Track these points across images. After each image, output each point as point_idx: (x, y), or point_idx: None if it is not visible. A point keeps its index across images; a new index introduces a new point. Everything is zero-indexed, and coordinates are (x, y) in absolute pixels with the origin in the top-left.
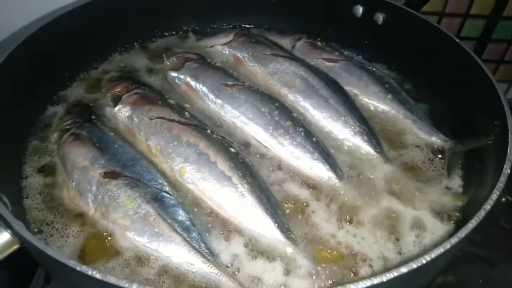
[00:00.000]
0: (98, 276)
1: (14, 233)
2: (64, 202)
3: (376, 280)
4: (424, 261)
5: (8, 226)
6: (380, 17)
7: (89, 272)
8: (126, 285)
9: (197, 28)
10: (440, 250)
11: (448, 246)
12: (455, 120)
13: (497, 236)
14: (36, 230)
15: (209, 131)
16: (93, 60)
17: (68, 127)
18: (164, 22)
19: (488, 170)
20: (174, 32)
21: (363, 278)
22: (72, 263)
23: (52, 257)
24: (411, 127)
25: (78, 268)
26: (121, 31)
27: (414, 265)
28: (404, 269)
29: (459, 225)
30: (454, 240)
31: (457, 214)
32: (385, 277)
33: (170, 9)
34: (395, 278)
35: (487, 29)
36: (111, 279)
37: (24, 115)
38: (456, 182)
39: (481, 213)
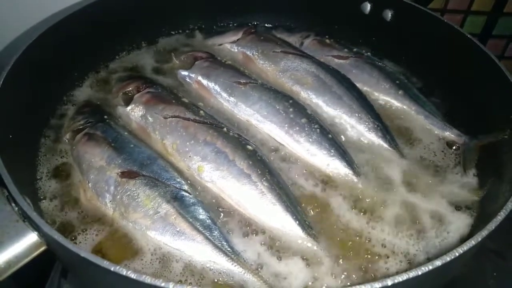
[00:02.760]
0: (133, 276)
1: (42, 234)
2: (81, 202)
3: (412, 274)
4: (457, 253)
5: (35, 227)
6: (388, 14)
7: (124, 273)
8: (162, 284)
9: (203, 26)
10: (472, 242)
11: (480, 239)
12: (467, 115)
13: (508, 228)
14: None
15: (225, 129)
16: (101, 60)
17: (80, 127)
18: (171, 21)
19: (505, 164)
20: (180, 31)
21: (388, 273)
22: (105, 263)
23: (85, 258)
24: (424, 123)
25: (112, 269)
26: (128, 30)
27: (447, 258)
28: (438, 262)
29: (478, 218)
30: (484, 232)
31: (474, 207)
32: (420, 271)
33: (177, 7)
34: (430, 272)
35: (488, 25)
36: (146, 279)
37: (35, 116)
38: (471, 176)
39: (509, 206)
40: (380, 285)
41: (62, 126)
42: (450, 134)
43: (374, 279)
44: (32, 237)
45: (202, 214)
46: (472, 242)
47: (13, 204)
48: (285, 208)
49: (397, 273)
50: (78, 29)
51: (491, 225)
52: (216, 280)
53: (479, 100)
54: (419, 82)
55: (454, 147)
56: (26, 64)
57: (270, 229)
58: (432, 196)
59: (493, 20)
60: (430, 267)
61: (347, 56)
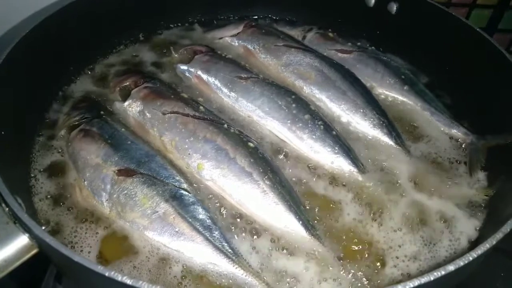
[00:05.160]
0: (128, 282)
1: (33, 236)
2: (77, 201)
3: (424, 279)
4: (471, 258)
5: (27, 229)
6: (393, 7)
7: (119, 278)
8: None
9: (203, 19)
10: (486, 245)
11: (494, 242)
12: (475, 111)
13: None
14: (48, 232)
15: (225, 125)
16: (98, 54)
17: (76, 123)
18: (170, 14)
19: None
20: (179, 24)
21: (396, 276)
22: (100, 268)
23: (78, 263)
24: (430, 119)
25: (107, 274)
26: (126, 23)
27: (461, 262)
28: (451, 267)
29: (487, 218)
30: (499, 235)
31: (483, 206)
32: (432, 276)
33: (176, 0)
34: (442, 277)
35: (493, 19)
36: (143, 285)
37: (29, 112)
38: (480, 175)
39: None
40: None
41: (57, 122)
42: (457, 132)
43: (382, 283)
44: (23, 240)
45: (202, 214)
46: (486, 246)
47: (3, 205)
48: (287, 208)
49: (405, 276)
50: (75, 21)
51: (506, 228)
52: (217, 283)
53: (487, 95)
54: (425, 77)
55: (461, 145)
56: (20, 57)
57: (272, 229)
58: (439, 195)
59: (499, 14)
60: (443, 272)
61: (350, 50)
